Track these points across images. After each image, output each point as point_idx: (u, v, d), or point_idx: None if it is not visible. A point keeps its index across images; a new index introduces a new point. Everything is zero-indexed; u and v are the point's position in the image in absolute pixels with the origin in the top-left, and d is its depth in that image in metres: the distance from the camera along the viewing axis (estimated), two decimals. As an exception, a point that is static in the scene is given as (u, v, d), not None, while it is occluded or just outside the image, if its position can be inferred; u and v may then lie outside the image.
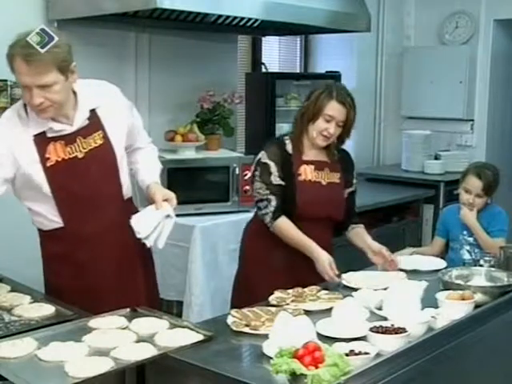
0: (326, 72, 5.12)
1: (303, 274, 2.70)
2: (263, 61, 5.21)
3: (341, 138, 2.89)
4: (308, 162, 2.87)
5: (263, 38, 5.24)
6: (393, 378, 1.82)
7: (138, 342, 1.99)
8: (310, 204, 2.80)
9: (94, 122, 2.43)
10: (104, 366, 1.81)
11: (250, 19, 3.97)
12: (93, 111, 2.42)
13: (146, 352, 1.91)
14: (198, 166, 3.95)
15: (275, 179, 2.82)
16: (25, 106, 2.34)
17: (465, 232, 3.31)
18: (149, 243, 2.42)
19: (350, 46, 5.48)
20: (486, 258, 2.75)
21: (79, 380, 1.74)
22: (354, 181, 3.03)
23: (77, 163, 2.37)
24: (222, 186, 3.93)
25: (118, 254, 2.49)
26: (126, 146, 2.57)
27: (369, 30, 4.56)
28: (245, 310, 2.25)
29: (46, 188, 2.34)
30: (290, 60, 5.70)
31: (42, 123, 2.32)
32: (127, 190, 2.56)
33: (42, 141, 2.33)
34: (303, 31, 5.02)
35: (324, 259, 2.68)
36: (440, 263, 2.95)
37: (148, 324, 2.12)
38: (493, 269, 2.66)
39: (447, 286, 2.48)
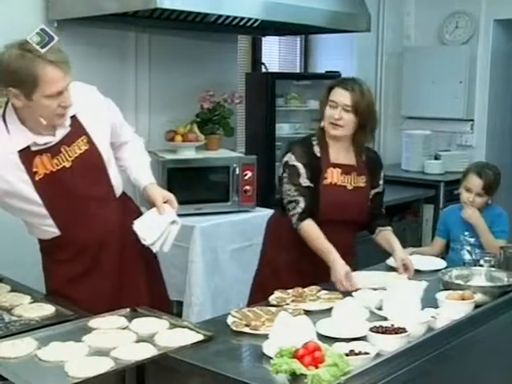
0: (326, 72, 5.12)
1: (320, 275, 2.68)
2: (263, 61, 5.20)
3: (365, 132, 2.84)
4: (335, 165, 2.83)
5: (263, 38, 5.23)
6: (393, 378, 1.82)
7: (138, 341, 1.99)
8: (333, 208, 2.76)
9: (76, 128, 2.37)
10: (104, 366, 1.81)
11: (249, 19, 3.97)
12: (73, 117, 2.36)
13: (146, 352, 1.91)
14: (198, 166, 3.95)
15: (304, 181, 2.78)
16: (4, 121, 2.29)
17: (466, 233, 3.31)
18: (155, 249, 2.43)
19: (350, 46, 5.47)
20: (486, 258, 2.75)
21: (79, 380, 1.74)
22: (381, 182, 2.98)
23: (65, 172, 2.33)
24: (221, 186, 3.94)
25: (118, 254, 2.48)
26: (111, 142, 2.53)
27: (369, 30, 4.55)
28: (245, 310, 2.25)
29: (38, 201, 2.31)
30: (290, 60, 5.70)
31: (24, 138, 2.27)
32: (118, 189, 2.54)
33: (27, 155, 2.28)
34: (303, 31, 5.02)
35: (340, 269, 2.58)
36: (440, 263, 2.95)
37: (148, 324, 2.12)
38: (493, 269, 2.66)
39: (447, 286, 2.48)
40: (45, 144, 2.30)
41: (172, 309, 3.67)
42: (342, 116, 2.76)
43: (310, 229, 2.74)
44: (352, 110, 2.76)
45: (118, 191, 2.54)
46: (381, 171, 3.00)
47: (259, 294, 2.72)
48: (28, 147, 2.28)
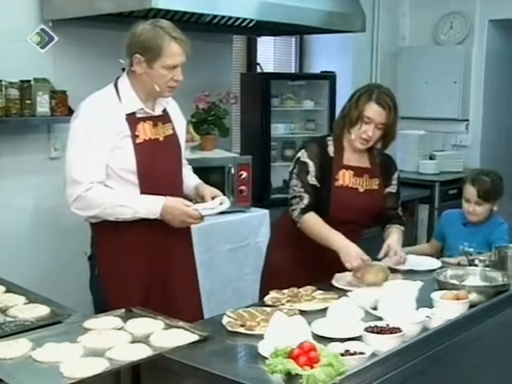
0: (321, 72, 5.12)
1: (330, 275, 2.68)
2: (258, 61, 5.21)
3: (384, 142, 2.84)
4: (348, 167, 2.82)
5: (258, 38, 5.24)
6: (388, 378, 1.82)
7: (133, 342, 1.99)
8: (343, 210, 2.76)
9: (167, 116, 2.70)
10: (99, 366, 1.80)
11: (244, 19, 3.96)
12: (164, 109, 2.70)
13: (141, 352, 1.90)
14: (193, 166, 3.93)
15: (311, 179, 2.79)
16: (116, 88, 2.57)
17: (465, 243, 3.23)
18: (202, 212, 2.63)
19: (345, 46, 5.48)
20: (481, 258, 2.75)
21: (74, 381, 1.73)
22: (394, 182, 2.98)
23: (158, 145, 2.61)
24: (217, 187, 3.89)
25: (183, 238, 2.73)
26: None
27: (364, 30, 4.56)
28: (240, 311, 2.25)
29: (133, 162, 2.52)
30: (285, 60, 5.70)
31: (132, 105, 2.56)
32: (185, 188, 2.79)
33: (132, 120, 2.56)
34: (298, 31, 5.02)
35: (353, 250, 2.61)
36: (435, 263, 2.95)
37: (143, 324, 2.12)
38: (487, 269, 2.66)
39: (442, 286, 2.48)
40: (148, 113, 2.60)
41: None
42: (374, 133, 2.76)
43: (314, 220, 2.74)
44: (383, 128, 2.77)
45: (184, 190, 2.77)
46: (395, 173, 3.00)
47: None
48: (134, 113, 2.57)
